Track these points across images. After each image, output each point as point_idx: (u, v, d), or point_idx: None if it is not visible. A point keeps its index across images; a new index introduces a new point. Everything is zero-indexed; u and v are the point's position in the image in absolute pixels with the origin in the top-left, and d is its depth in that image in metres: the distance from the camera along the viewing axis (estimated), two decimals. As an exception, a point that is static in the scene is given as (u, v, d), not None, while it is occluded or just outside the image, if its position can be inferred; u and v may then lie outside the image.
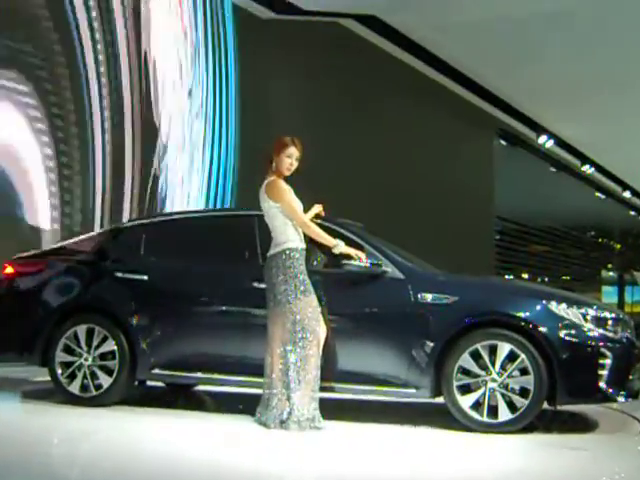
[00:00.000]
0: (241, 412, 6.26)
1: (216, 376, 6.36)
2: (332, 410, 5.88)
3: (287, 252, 5.85)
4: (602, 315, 6.13)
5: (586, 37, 13.25)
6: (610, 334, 6.03)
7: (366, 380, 6.07)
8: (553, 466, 5.10)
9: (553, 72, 15.05)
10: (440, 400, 6.03)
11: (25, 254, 7.11)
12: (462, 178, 17.61)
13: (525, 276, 22.82)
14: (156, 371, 6.40)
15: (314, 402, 5.75)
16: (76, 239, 7.31)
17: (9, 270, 6.90)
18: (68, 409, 6.27)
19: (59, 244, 7.49)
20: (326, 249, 6.15)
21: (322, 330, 5.84)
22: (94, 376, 6.35)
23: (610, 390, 5.95)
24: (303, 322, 5.76)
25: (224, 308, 6.43)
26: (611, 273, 29.86)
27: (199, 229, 6.91)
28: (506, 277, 20.13)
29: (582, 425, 6.47)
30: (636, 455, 5.71)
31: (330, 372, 5.97)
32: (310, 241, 6.05)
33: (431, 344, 5.96)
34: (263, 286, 6.03)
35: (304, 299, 5.79)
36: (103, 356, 6.39)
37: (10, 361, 7.14)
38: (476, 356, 5.91)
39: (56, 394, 6.48)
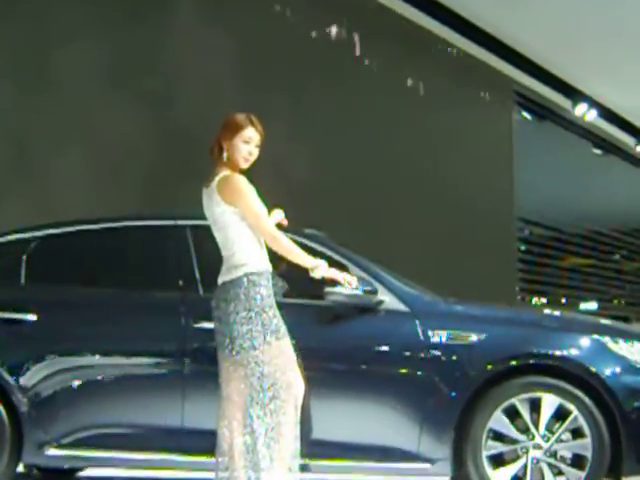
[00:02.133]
0: None
1: (141, 456, 6.38)
2: None
3: (250, 277, 5.80)
4: None
5: None
6: None
7: (362, 454, 6.21)
8: None
9: (595, 12, 15.02)
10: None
11: None
12: (468, 166, 17.69)
13: (563, 300, 22.82)
14: (51, 452, 6.37)
15: None
16: None
17: None
18: None
19: None
20: (301, 272, 6.04)
21: (300, 386, 5.80)
22: None
23: None
24: (274, 375, 5.71)
25: (151, 360, 6.50)
26: None
27: (108, 246, 6.97)
28: (540, 306, 20.38)
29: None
30: None
31: (311, 445, 5.98)
32: (275, 260, 6.03)
33: (450, 400, 6.17)
34: (211, 327, 6.00)
35: (275, 343, 5.74)
36: None
37: None
38: (512, 415, 6.14)
39: None
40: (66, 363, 6.46)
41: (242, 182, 5.88)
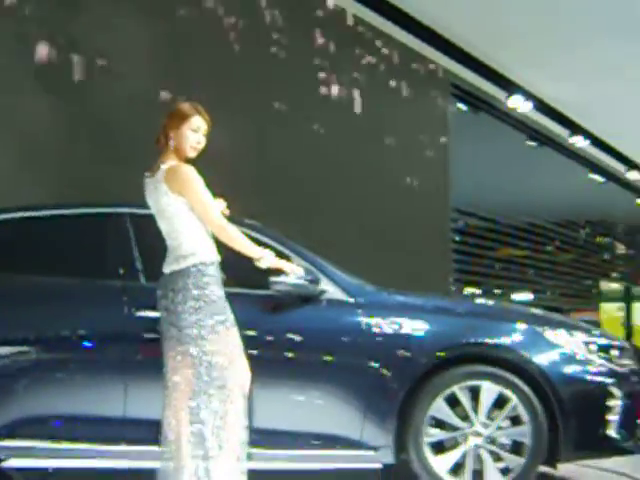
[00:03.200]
0: None
1: (82, 447, 6.34)
2: None
3: (199, 267, 5.83)
4: (607, 344, 6.68)
5: None
6: (617, 368, 6.58)
7: (306, 442, 6.30)
8: None
9: (530, 5, 14.98)
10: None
11: None
12: (404, 156, 17.64)
13: (497, 291, 23.01)
14: None
15: (241, 476, 5.77)
16: None
17: None
18: None
19: None
20: (246, 262, 6.05)
21: (247, 375, 5.86)
22: None
23: (622, 439, 6.51)
24: (222, 365, 5.75)
25: (92, 349, 6.43)
26: (614, 285, 30.20)
27: (48, 234, 6.87)
28: (474, 297, 20.56)
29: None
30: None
31: (258, 433, 5.99)
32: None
33: (392, 389, 6.27)
34: (153, 315, 6.04)
35: (223, 333, 5.78)
36: None
37: None
38: (453, 402, 6.28)
39: None
40: (2, 351, 6.37)
41: (190, 172, 5.88)
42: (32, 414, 6.32)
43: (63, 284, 6.58)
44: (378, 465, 6.42)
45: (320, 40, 15.41)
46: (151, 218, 6.11)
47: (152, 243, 6.18)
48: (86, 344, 6.42)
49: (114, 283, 6.49)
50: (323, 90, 15.73)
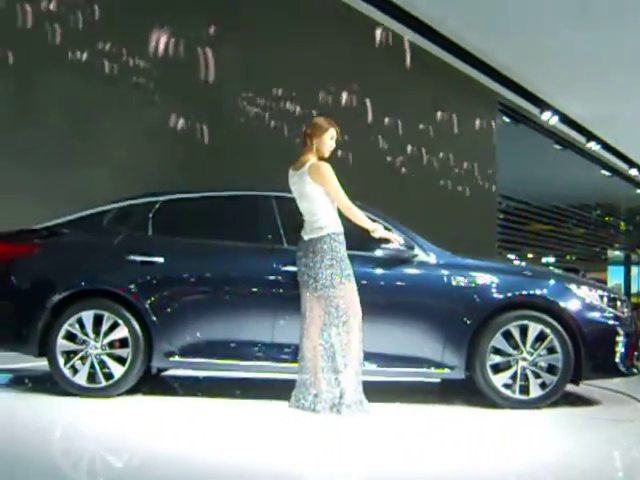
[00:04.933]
0: (265, 397, 6.33)
1: (242, 362, 6.29)
2: (369, 392, 5.90)
3: (332, 236, 5.85)
4: (614, 297, 6.62)
5: (601, 9, 12.98)
6: (621, 314, 6.53)
7: (403, 362, 6.26)
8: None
9: (561, 42, 14.80)
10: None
11: (7, 231, 6.65)
12: (464, 157, 17.71)
13: (530, 255, 22.73)
14: (174, 359, 6.29)
15: (359, 385, 5.81)
16: (72, 216, 6.70)
17: None
18: (73, 400, 6.09)
19: (52, 222, 6.76)
20: (363, 232, 6.09)
21: (360, 313, 5.85)
22: (103, 365, 6.20)
23: (625, 365, 6.47)
24: (347, 307, 5.79)
25: (251, 291, 6.34)
26: (618, 252, 29.72)
27: (214, 209, 6.77)
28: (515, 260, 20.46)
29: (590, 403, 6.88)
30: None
31: (370, 356, 6.03)
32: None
33: (465, 326, 6.24)
34: (294, 269, 6.06)
35: (347, 284, 5.82)
36: (112, 344, 6.24)
37: (5, 351, 6.77)
38: (508, 336, 6.24)
39: (60, 386, 6.22)
40: (186, 294, 6.35)
41: (328, 168, 5.91)
42: (202, 339, 6.27)
43: (230, 245, 6.46)
44: (455, 377, 6.32)
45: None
46: (289, 199, 6.19)
47: (290, 217, 6.25)
48: (245, 288, 6.34)
49: (265, 245, 6.40)
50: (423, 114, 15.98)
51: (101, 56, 10.22)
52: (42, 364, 6.65)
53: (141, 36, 10.86)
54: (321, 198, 5.93)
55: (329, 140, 6.02)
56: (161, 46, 11.01)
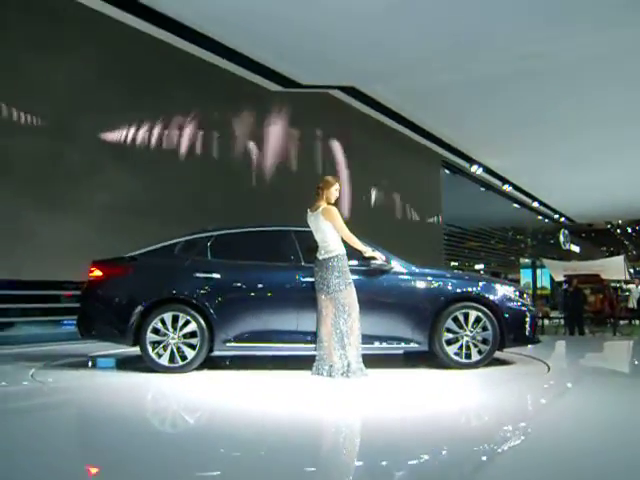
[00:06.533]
0: (292, 369, 6.20)
1: (274, 345, 6.16)
2: (366, 362, 5.88)
3: (339, 256, 5.80)
4: (522, 291, 6.69)
5: (510, 93, 12.79)
6: (527, 302, 6.59)
7: (386, 340, 6.21)
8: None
9: (484, 119, 14.82)
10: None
11: (109, 259, 6.45)
12: (418, 198, 17.62)
13: (466, 264, 22.62)
14: (229, 345, 6.14)
15: (360, 357, 5.78)
16: (152, 247, 6.50)
17: (98, 272, 6.32)
18: (160, 376, 5.94)
19: (138, 251, 6.54)
20: (358, 253, 6.08)
21: (357, 308, 5.80)
22: (179, 350, 6.06)
23: (532, 336, 6.56)
24: (350, 305, 5.75)
25: (282, 295, 6.18)
26: (526, 260, 29.83)
27: (253, 239, 6.57)
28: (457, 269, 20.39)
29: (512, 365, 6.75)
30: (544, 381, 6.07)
31: (365, 337, 5.95)
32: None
33: (427, 314, 6.24)
34: (311, 280, 5.97)
35: (350, 289, 5.79)
36: (185, 335, 6.09)
37: (109, 342, 6.52)
38: (455, 320, 6.29)
39: (149, 365, 6.06)
40: (235, 297, 6.20)
41: (335, 211, 5.90)
42: (249, 330, 6.14)
43: (265, 264, 6.33)
44: (421, 349, 6.22)
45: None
46: (304, 232, 6.13)
47: (304, 244, 6.20)
48: (279, 293, 6.21)
49: (289, 264, 6.27)
50: (391, 173, 15.72)
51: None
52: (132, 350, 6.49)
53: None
54: (330, 231, 5.88)
55: (335, 191, 6.01)
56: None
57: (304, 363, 6.11)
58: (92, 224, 9.12)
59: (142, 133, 9.95)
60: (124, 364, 6.80)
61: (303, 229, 6.19)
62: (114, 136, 9.63)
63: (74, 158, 9.09)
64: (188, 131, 10.79)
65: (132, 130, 9.84)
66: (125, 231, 9.12)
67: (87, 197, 9.14)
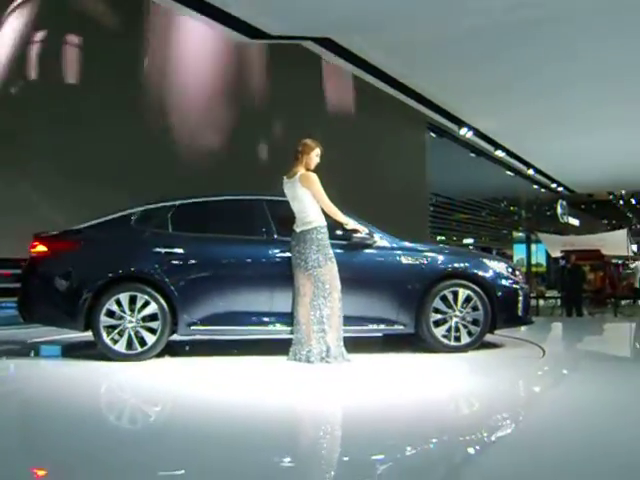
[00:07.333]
0: (266, 354, 6.23)
1: (246, 328, 6.18)
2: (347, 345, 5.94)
3: (318, 229, 5.84)
4: (514, 267, 6.86)
5: (501, 46, 12.88)
6: (520, 280, 6.75)
7: (370, 322, 6.27)
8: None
9: (473, 76, 14.72)
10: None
11: (54, 232, 6.34)
12: (402, 164, 17.55)
13: (454, 238, 22.64)
14: (194, 328, 6.12)
15: (341, 341, 5.86)
16: (104, 218, 6.40)
17: (42, 247, 6.19)
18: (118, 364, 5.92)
19: (88, 223, 6.42)
20: (339, 225, 6.12)
21: (339, 287, 5.84)
22: (138, 335, 5.99)
23: (524, 317, 6.75)
24: (331, 282, 5.81)
25: (253, 272, 6.18)
26: (520, 234, 30.01)
27: (219, 210, 6.56)
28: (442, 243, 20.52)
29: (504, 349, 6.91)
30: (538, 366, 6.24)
31: (346, 318, 5.99)
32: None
33: (413, 293, 6.31)
34: (286, 255, 6.03)
35: (330, 265, 5.84)
36: (144, 318, 6.02)
37: (56, 327, 6.46)
38: (444, 299, 6.37)
39: (103, 352, 5.99)
40: (201, 275, 6.16)
41: (315, 177, 5.95)
42: (216, 311, 6.11)
43: (234, 238, 6.33)
44: (406, 332, 6.34)
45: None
46: (277, 202, 6.19)
47: (277, 215, 6.25)
48: (250, 270, 6.21)
49: (260, 238, 6.27)
50: (375, 136, 15.65)
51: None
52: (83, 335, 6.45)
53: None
54: (309, 200, 5.92)
55: (315, 157, 6.05)
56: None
57: (279, 348, 6.16)
58: (33, 190, 8.90)
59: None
60: (73, 351, 6.71)
61: (277, 198, 6.21)
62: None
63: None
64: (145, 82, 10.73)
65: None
66: (76, 200, 8.96)
67: (31, 160, 8.96)
